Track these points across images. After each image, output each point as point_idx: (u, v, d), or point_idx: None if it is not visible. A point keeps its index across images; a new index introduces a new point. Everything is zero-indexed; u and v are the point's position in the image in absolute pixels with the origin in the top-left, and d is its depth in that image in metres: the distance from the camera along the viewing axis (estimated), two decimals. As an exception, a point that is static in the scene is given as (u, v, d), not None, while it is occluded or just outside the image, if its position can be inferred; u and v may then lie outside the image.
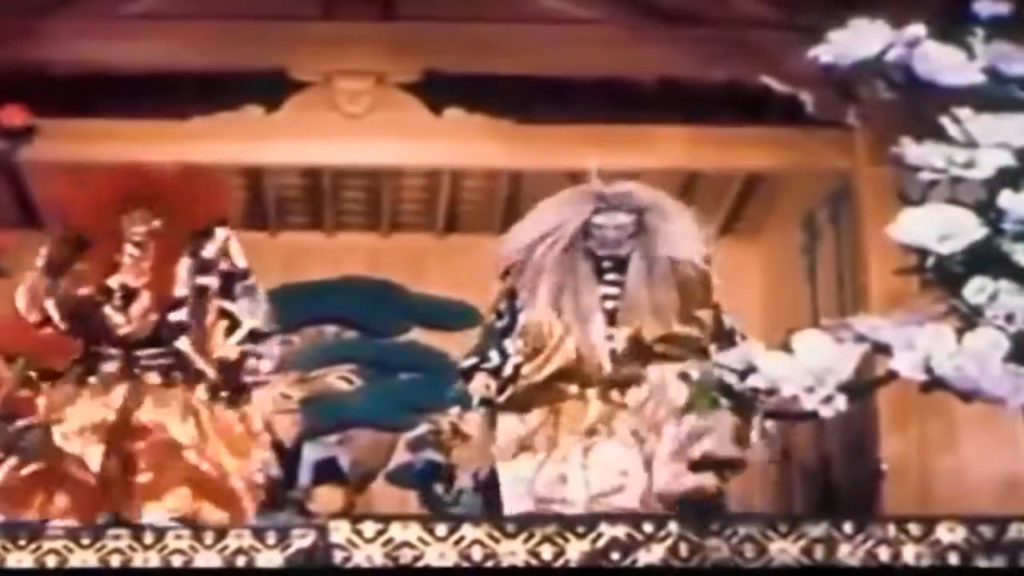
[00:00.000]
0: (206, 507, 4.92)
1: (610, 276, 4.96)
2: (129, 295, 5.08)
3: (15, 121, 5.51)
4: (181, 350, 5.06)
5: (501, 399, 4.96)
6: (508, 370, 4.99)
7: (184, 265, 5.15)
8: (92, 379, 5.07)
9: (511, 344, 5.01)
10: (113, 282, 5.09)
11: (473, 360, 5.09)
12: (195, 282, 5.13)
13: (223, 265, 5.21)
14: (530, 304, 4.96)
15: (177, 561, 3.87)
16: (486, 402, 5.04)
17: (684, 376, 4.37)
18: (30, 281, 5.12)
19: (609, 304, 4.92)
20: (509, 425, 4.92)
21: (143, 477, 4.91)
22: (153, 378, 5.06)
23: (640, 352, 4.83)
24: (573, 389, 4.86)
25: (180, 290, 5.12)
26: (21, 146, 5.51)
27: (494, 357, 5.04)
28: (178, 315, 5.09)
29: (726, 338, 4.83)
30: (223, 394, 5.14)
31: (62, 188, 5.33)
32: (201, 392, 5.08)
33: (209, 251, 5.20)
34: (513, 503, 4.74)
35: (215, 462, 5.01)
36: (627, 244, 4.97)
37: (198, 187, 5.34)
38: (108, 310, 5.08)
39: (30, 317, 5.10)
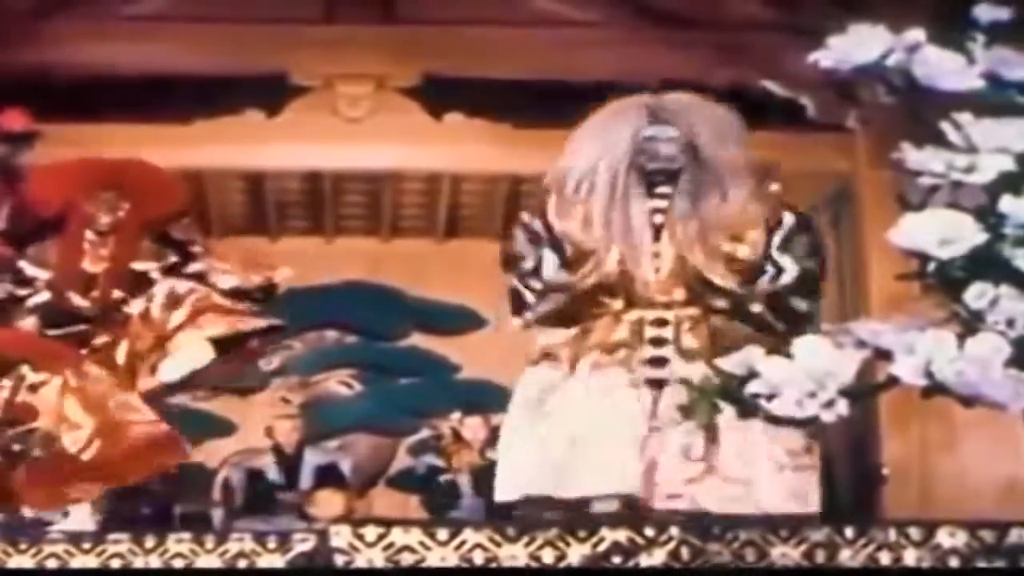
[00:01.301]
0: None
1: (660, 189, 4.79)
2: (88, 280, 5.22)
3: (15, 125, 5.51)
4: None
5: (540, 309, 4.79)
6: (548, 273, 4.82)
7: (146, 248, 5.31)
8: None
9: (548, 253, 4.83)
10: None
11: (515, 271, 4.88)
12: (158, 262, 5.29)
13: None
14: (574, 216, 4.79)
15: (178, 564, 3.87)
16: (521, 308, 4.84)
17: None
18: None
19: (657, 218, 4.75)
20: (544, 339, 4.77)
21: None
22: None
23: (685, 275, 4.65)
24: (616, 305, 4.68)
25: (140, 265, 5.27)
26: (22, 150, 5.51)
27: (529, 261, 4.86)
28: (121, 292, 5.23)
29: (766, 275, 4.66)
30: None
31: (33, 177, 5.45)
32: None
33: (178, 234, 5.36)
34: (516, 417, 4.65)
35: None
36: (680, 158, 4.79)
37: (156, 179, 5.48)
38: (71, 295, 5.21)
39: None
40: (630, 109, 4.93)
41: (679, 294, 4.68)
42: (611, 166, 4.78)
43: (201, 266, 5.46)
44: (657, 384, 4.56)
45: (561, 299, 4.76)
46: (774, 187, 4.95)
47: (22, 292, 5.27)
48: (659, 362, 4.60)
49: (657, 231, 4.72)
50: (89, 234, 5.31)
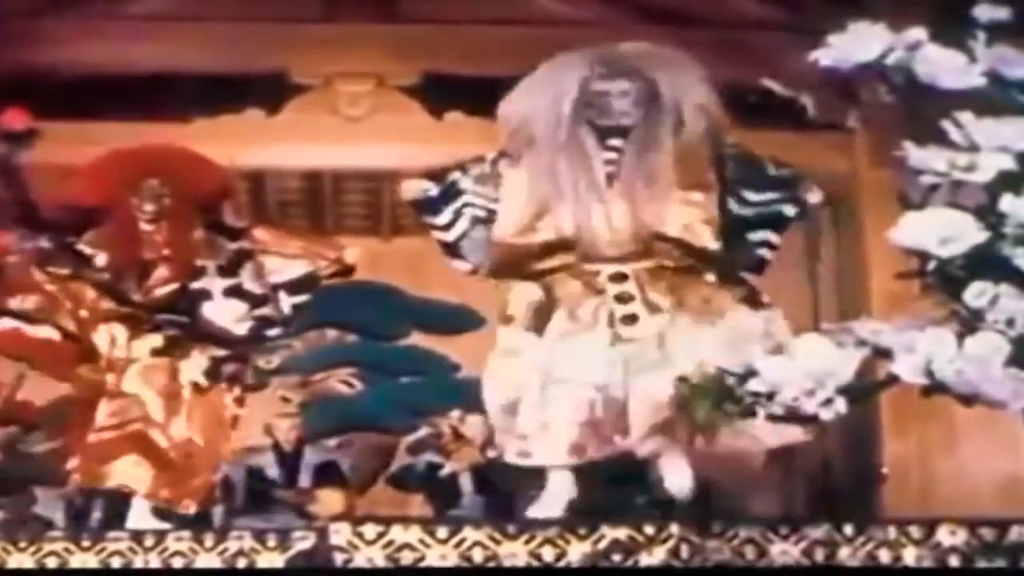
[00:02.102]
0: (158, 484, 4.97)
1: (611, 142, 4.59)
2: (144, 269, 5.19)
3: (16, 124, 5.51)
4: (200, 318, 5.14)
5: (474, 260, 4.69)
6: (462, 227, 4.72)
7: (201, 236, 5.27)
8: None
9: (478, 198, 4.71)
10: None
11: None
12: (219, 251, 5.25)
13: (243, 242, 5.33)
14: (519, 169, 4.63)
15: (177, 563, 3.87)
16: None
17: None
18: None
19: (608, 169, 4.55)
20: (512, 294, 4.61)
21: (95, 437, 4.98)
22: (155, 340, 5.14)
23: (638, 228, 4.48)
24: (570, 259, 4.52)
25: (200, 260, 5.24)
26: (22, 149, 5.51)
27: (446, 214, 4.76)
28: (199, 284, 5.20)
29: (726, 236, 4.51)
30: (226, 369, 5.20)
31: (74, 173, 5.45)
32: (194, 368, 5.14)
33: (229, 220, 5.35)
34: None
35: (181, 442, 5.05)
36: (633, 113, 4.61)
37: (197, 162, 5.47)
38: (128, 284, 5.20)
39: None
40: (576, 61, 4.74)
41: (633, 247, 4.52)
42: (556, 118, 4.60)
43: (256, 262, 5.38)
44: (629, 341, 4.44)
45: (504, 255, 4.61)
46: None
47: (84, 270, 5.22)
48: (630, 319, 4.46)
49: (609, 183, 4.54)
50: (143, 224, 5.27)
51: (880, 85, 2.80)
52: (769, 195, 4.65)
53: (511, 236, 4.58)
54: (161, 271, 5.20)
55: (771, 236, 4.63)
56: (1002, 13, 2.78)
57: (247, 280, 5.27)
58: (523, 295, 4.58)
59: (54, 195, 5.45)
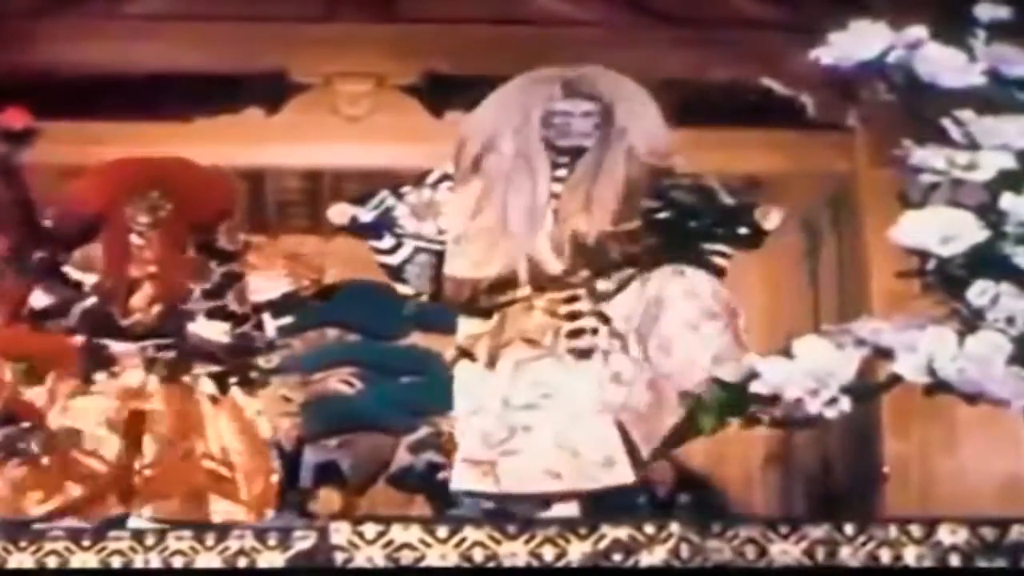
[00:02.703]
0: (214, 503, 4.95)
1: (561, 172, 4.55)
2: (131, 286, 5.13)
3: (16, 124, 5.50)
4: (189, 336, 5.09)
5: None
6: (405, 252, 4.67)
7: (191, 256, 5.20)
8: (98, 372, 5.10)
9: (418, 226, 4.65)
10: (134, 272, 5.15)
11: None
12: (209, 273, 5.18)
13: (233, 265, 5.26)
14: (463, 194, 4.58)
15: (178, 562, 3.87)
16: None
17: (684, 395, 4.28)
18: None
19: (554, 188, 4.51)
20: (464, 327, 4.57)
21: (149, 472, 4.95)
22: (159, 370, 5.09)
23: (586, 254, 4.44)
24: (523, 292, 4.48)
25: (189, 282, 5.17)
26: (22, 149, 5.51)
27: (387, 239, 4.70)
28: (188, 305, 5.14)
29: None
30: (232, 381, 5.18)
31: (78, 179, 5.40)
32: (207, 384, 5.12)
33: (222, 242, 5.26)
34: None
35: (221, 457, 5.03)
36: (593, 134, 4.55)
37: (204, 180, 5.39)
38: (114, 306, 5.12)
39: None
40: (542, 81, 4.72)
41: (584, 272, 4.49)
42: (512, 136, 4.58)
43: (241, 284, 5.31)
44: (585, 354, 4.43)
45: (454, 290, 4.59)
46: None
47: (68, 294, 5.15)
48: (578, 333, 4.43)
49: (555, 213, 4.49)
50: (134, 237, 5.18)
51: (880, 84, 2.79)
52: (723, 223, 4.59)
53: (460, 273, 4.55)
54: (147, 289, 5.14)
55: (726, 248, 4.58)
56: (1002, 12, 2.78)
57: (231, 302, 5.22)
58: (475, 328, 4.56)
59: (56, 197, 5.41)
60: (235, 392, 5.23)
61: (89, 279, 5.17)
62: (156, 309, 5.13)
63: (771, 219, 4.60)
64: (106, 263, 5.15)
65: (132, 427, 5.00)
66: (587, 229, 4.45)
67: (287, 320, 5.40)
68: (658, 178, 4.51)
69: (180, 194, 5.22)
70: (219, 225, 5.33)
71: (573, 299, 4.46)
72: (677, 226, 4.47)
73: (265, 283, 5.33)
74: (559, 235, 4.48)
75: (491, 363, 4.49)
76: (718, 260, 4.57)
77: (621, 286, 4.44)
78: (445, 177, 4.72)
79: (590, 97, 4.63)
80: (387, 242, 4.73)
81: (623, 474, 4.29)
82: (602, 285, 4.46)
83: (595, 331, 4.41)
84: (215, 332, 5.14)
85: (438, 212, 4.65)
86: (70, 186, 5.47)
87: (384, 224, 4.74)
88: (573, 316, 4.45)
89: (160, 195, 5.17)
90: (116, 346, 5.11)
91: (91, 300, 5.15)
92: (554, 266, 4.46)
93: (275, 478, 5.27)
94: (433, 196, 4.68)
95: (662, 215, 4.46)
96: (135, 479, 4.95)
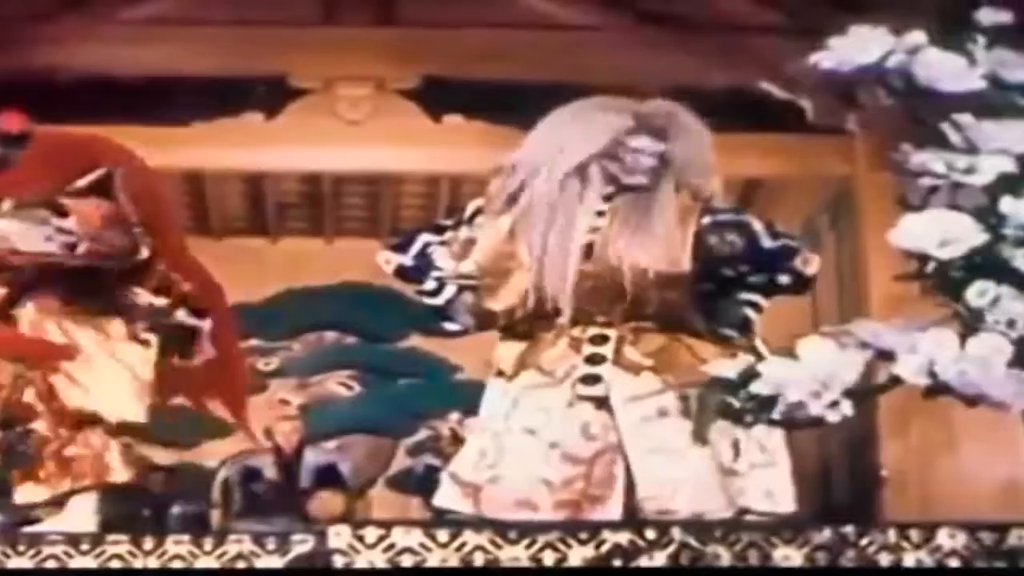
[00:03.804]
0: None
1: (605, 205, 4.42)
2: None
3: (13, 127, 5.50)
4: None
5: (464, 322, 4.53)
6: (449, 292, 4.52)
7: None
8: None
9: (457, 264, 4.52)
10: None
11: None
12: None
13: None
14: (496, 224, 4.46)
15: (176, 566, 3.86)
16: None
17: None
18: None
19: (598, 236, 4.38)
20: (502, 349, 4.47)
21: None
22: None
23: (622, 294, 4.32)
24: (561, 320, 4.35)
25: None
26: (18, 152, 5.51)
27: (430, 280, 4.55)
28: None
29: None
30: None
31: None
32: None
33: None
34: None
35: None
36: (651, 174, 4.42)
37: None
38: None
39: None
40: (610, 111, 4.53)
41: (617, 310, 4.37)
42: (570, 169, 4.42)
43: None
44: (596, 402, 4.42)
45: (490, 320, 4.47)
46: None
47: None
48: (592, 380, 4.34)
49: (588, 248, 4.38)
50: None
51: (880, 88, 2.80)
52: (763, 270, 4.55)
53: (497, 305, 4.53)
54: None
55: (760, 299, 4.54)
56: (1002, 17, 2.79)
57: None
58: (510, 351, 4.54)
59: None
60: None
61: None
62: None
63: (812, 264, 4.55)
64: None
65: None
66: (631, 267, 4.42)
67: None
68: (701, 218, 4.49)
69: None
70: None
71: (601, 339, 4.43)
72: (714, 276, 4.45)
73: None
74: (600, 270, 4.44)
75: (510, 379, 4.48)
76: (749, 312, 4.51)
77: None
78: (479, 211, 4.67)
79: (659, 134, 4.57)
80: (430, 284, 4.68)
81: (612, 511, 4.28)
82: (633, 325, 4.44)
83: (598, 379, 4.39)
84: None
85: (470, 250, 4.61)
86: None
87: (423, 267, 4.69)
88: (593, 359, 4.44)
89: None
90: None
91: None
92: (587, 300, 4.43)
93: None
94: (470, 233, 4.63)
95: (702, 263, 4.45)
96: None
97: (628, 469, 4.29)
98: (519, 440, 4.34)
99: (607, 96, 4.61)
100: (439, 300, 4.62)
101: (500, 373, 4.50)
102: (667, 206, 4.41)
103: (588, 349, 4.38)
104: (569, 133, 4.47)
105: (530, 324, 4.44)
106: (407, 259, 4.66)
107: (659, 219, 4.39)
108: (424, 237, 4.68)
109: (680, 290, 4.39)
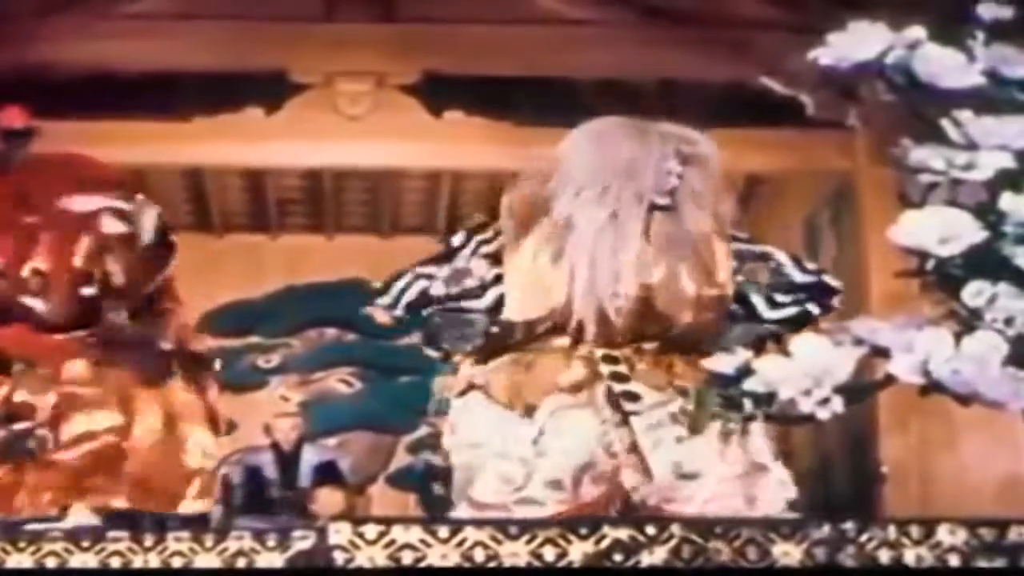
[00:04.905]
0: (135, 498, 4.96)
1: (652, 223, 4.41)
2: (45, 280, 5.13)
3: (15, 123, 5.50)
4: (115, 325, 5.10)
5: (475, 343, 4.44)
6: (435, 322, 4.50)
7: (86, 241, 5.17)
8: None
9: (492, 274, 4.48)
10: (25, 270, 5.14)
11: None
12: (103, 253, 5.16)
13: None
14: (536, 236, 4.42)
15: (177, 563, 3.86)
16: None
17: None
18: None
19: (633, 257, 4.38)
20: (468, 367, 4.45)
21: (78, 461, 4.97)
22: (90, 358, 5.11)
23: (646, 316, 4.33)
24: (562, 341, 4.36)
25: (83, 264, 5.15)
26: (21, 148, 5.51)
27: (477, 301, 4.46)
28: (90, 289, 5.14)
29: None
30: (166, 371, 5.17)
31: None
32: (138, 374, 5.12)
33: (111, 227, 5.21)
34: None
35: (144, 449, 5.03)
36: (675, 195, 4.43)
37: (52, 165, 5.39)
38: (28, 299, 5.12)
39: None
40: (653, 136, 4.52)
41: (637, 331, 4.38)
42: (610, 190, 4.40)
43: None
44: (623, 419, 4.40)
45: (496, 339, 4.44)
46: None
47: None
48: (630, 397, 4.33)
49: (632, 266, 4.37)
50: (19, 235, 5.18)
51: (880, 84, 2.79)
52: (794, 299, 4.56)
53: (516, 316, 4.49)
54: (57, 284, 5.15)
55: (784, 331, 4.54)
56: (1002, 12, 2.78)
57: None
58: (498, 367, 4.50)
59: None
60: (171, 382, 5.21)
61: None
62: (68, 299, 5.14)
63: (837, 296, 4.63)
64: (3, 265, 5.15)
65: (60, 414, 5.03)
66: (669, 287, 4.41)
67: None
68: (728, 244, 4.50)
69: (41, 190, 5.23)
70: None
71: (614, 360, 4.41)
72: (742, 299, 4.47)
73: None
74: (636, 290, 4.42)
75: (525, 408, 4.43)
76: (768, 340, 4.50)
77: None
78: (464, 243, 4.64)
79: (684, 160, 4.52)
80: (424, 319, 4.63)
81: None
82: (648, 347, 4.43)
83: (637, 397, 4.38)
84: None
85: (469, 274, 4.56)
86: None
87: (420, 306, 4.65)
88: (619, 377, 4.41)
89: (33, 197, 5.19)
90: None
91: None
92: (616, 322, 4.40)
93: (193, 466, 5.22)
94: (460, 265, 4.60)
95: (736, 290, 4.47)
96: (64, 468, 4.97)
97: (646, 480, 4.31)
98: (552, 462, 4.33)
99: (640, 118, 4.61)
100: (429, 329, 4.56)
101: (474, 388, 4.45)
102: (699, 227, 4.42)
103: (606, 367, 4.37)
104: (618, 154, 4.46)
105: (541, 343, 4.41)
106: (399, 310, 4.62)
107: (693, 240, 4.39)
108: (409, 281, 4.63)
109: (717, 311, 4.39)
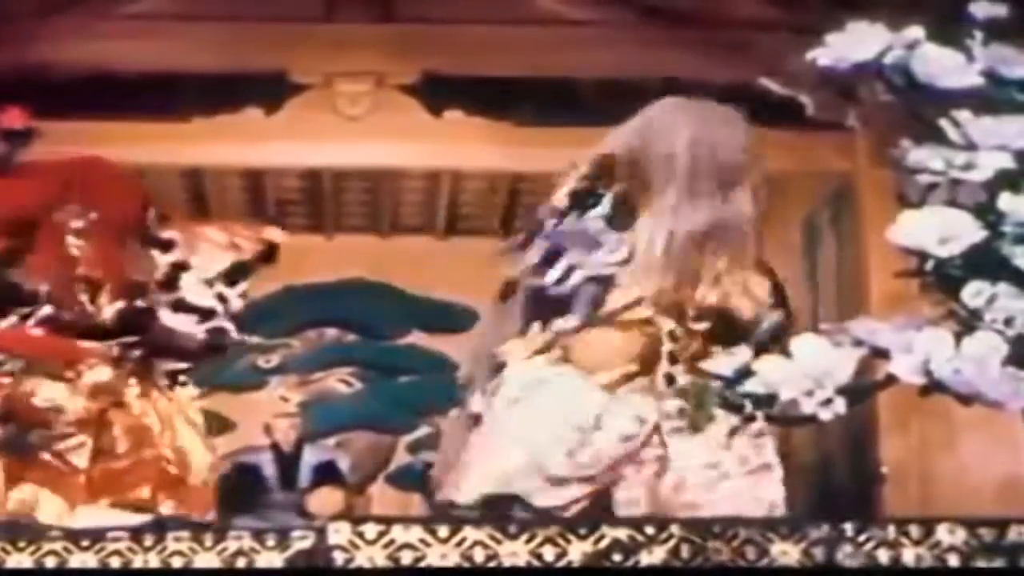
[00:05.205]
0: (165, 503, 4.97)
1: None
2: (94, 286, 5.14)
3: (15, 123, 5.51)
4: (159, 333, 5.11)
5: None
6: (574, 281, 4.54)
7: (135, 251, 5.22)
8: (71, 373, 5.12)
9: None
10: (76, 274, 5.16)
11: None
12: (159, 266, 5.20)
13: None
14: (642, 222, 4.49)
15: (177, 563, 3.86)
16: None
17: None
18: None
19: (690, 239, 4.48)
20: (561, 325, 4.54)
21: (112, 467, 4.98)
22: (127, 367, 5.12)
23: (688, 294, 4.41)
24: (643, 313, 4.45)
25: (139, 276, 5.19)
26: (21, 148, 5.52)
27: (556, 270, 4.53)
28: (144, 301, 5.16)
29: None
30: (181, 380, 5.19)
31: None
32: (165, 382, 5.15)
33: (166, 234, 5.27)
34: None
35: (181, 455, 5.05)
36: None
37: (114, 177, 5.42)
38: (80, 302, 5.14)
39: None
40: (727, 118, 4.77)
41: (683, 310, 4.47)
42: (691, 170, 4.51)
43: (188, 264, 5.30)
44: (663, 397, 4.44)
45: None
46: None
47: (25, 310, 5.15)
48: (671, 378, 4.43)
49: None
50: (71, 239, 5.19)
51: (878, 84, 2.80)
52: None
53: (621, 301, 4.53)
54: (107, 290, 5.16)
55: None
56: (999, 10, 2.78)
57: (188, 293, 5.23)
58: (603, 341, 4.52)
59: None
60: (181, 390, 5.24)
61: (43, 287, 5.16)
62: (116, 308, 5.14)
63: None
64: (50, 271, 5.15)
65: (100, 424, 5.03)
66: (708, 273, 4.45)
67: (242, 287, 5.37)
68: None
69: (100, 198, 5.24)
70: (143, 218, 5.33)
71: (675, 337, 4.45)
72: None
73: (208, 259, 5.32)
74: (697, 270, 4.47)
75: (595, 378, 4.46)
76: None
77: None
78: (624, 194, 4.65)
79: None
80: (554, 273, 4.63)
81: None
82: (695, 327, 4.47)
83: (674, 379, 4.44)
84: (186, 325, 5.16)
85: (599, 242, 4.58)
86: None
87: (551, 257, 4.66)
88: (672, 358, 4.46)
89: (82, 202, 5.20)
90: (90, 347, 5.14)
91: (46, 309, 5.15)
92: (676, 297, 4.45)
93: (210, 478, 5.25)
94: (591, 226, 4.62)
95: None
96: (98, 475, 4.97)
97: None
98: (606, 439, 4.36)
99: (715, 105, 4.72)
100: (564, 288, 4.57)
101: (548, 349, 4.47)
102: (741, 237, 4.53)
103: (667, 346, 4.42)
104: (717, 135, 4.64)
105: (624, 316, 4.46)
106: (535, 254, 4.64)
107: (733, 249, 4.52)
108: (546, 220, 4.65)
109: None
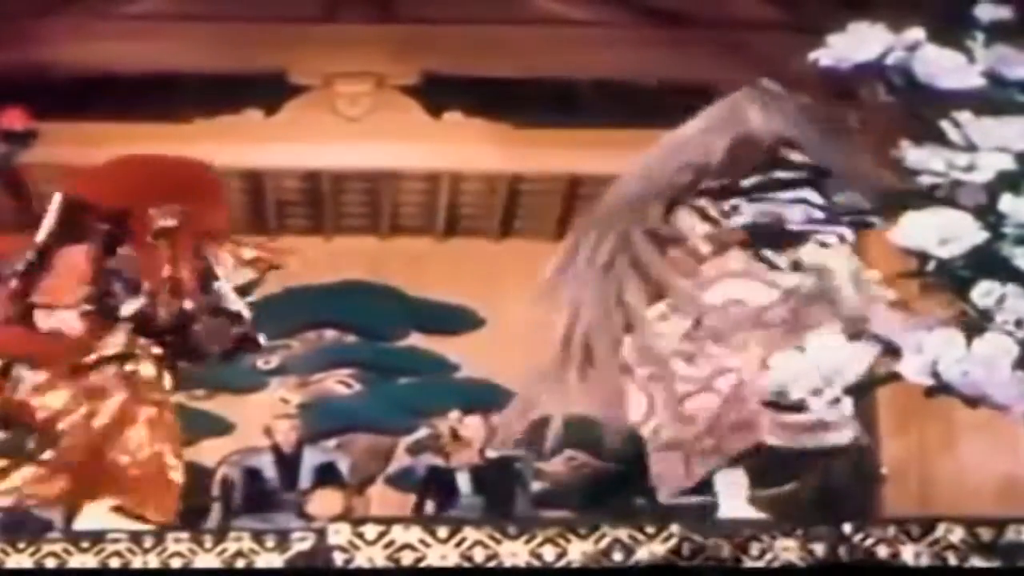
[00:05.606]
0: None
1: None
2: (175, 286, 5.17)
3: (16, 124, 5.52)
4: (193, 336, 5.14)
5: None
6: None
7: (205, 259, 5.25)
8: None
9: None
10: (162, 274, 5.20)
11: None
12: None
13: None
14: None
15: (176, 563, 3.87)
16: None
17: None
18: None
19: None
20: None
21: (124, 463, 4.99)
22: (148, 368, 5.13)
23: None
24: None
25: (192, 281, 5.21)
26: (22, 149, 5.52)
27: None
28: (189, 304, 5.19)
29: None
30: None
31: (97, 174, 5.39)
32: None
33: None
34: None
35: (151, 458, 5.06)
36: None
37: (214, 189, 5.43)
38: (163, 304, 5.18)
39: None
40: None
41: None
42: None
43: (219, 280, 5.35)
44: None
45: None
46: None
47: (121, 301, 5.17)
48: None
49: None
50: (151, 238, 5.21)
51: (879, 85, 2.80)
52: None
53: None
54: (164, 294, 5.19)
55: None
56: (1002, 13, 2.78)
57: (223, 299, 5.26)
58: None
59: (69, 189, 5.36)
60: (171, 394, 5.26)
61: (145, 283, 5.19)
62: (172, 308, 5.17)
63: None
64: (147, 267, 5.18)
65: (120, 421, 5.04)
66: None
67: (252, 299, 5.43)
68: None
69: (192, 201, 5.25)
70: (226, 231, 5.37)
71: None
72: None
73: (231, 273, 5.35)
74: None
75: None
76: None
77: None
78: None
79: None
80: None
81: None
82: None
83: None
84: (221, 328, 5.19)
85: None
86: (85, 180, 5.42)
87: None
88: None
89: (177, 202, 5.21)
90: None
91: (141, 301, 5.17)
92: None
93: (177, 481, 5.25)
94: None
95: None
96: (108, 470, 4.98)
97: None
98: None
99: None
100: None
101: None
102: None
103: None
104: (772, 125, 4.92)
105: None
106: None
107: None
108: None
109: None
